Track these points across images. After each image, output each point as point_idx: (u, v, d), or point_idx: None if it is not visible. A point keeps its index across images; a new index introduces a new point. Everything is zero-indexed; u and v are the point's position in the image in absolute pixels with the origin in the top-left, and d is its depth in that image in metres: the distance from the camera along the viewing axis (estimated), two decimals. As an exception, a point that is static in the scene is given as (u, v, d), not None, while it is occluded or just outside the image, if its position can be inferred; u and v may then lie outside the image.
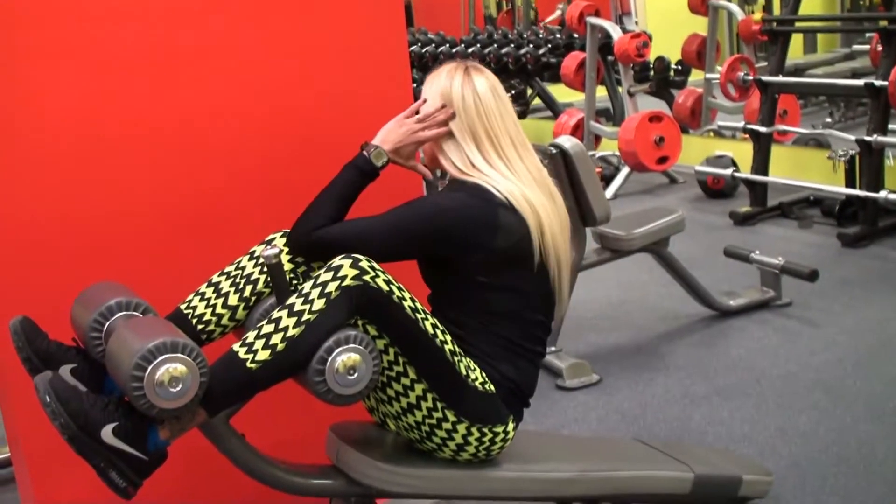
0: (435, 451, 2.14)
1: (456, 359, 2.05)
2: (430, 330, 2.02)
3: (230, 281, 2.20)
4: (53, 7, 2.27)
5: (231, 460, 2.06)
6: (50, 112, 2.30)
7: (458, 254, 2.13)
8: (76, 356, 2.05)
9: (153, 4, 2.39)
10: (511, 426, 2.17)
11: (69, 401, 1.81)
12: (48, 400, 1.80)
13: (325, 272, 1.95)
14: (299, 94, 2.61)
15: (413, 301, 2.01)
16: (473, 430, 2.10)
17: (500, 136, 2.19)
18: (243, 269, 2.22)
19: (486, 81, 2.22)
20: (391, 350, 2.00)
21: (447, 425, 2.08)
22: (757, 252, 4.51)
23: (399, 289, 1.99)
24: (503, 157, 2.18)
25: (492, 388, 2.12)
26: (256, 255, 2.23)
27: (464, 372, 2.06)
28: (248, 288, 2.19)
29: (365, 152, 2.21)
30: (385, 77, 2.74)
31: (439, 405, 2.05)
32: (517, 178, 2.17)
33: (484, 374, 2.12)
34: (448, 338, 2.06)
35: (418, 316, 2.00)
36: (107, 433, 1.82)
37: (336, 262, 1.96)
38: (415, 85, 3.32)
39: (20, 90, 2.26)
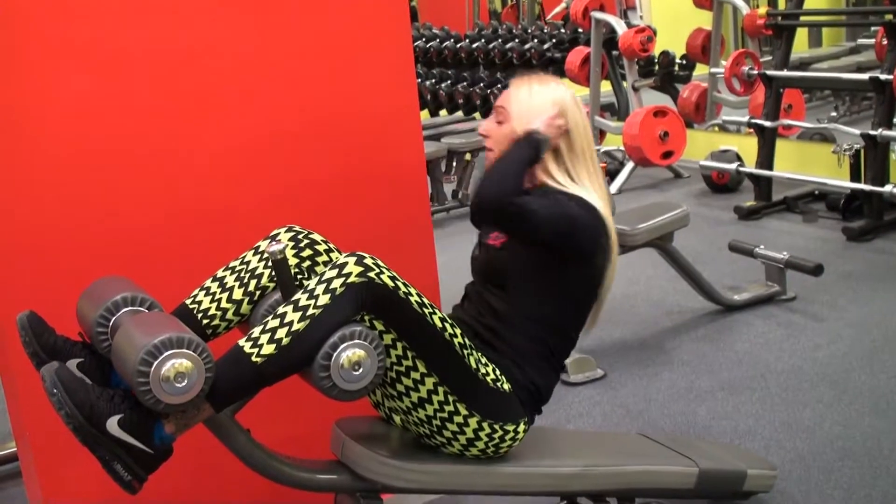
0: (444, 446, 2.14)
1: (466, 352, 2.06)
2: (439, 324, 2.02)
3: (235, 276, 2.21)
4: (56, 8, 2.28)
5: (236, 456, 2.06)
6: (56, 109, 2.30)
7: (568, 258, 2.22)
8: (82, 351, 2.06)
9: (155, 5, 2.39)
10: (522, 427, 2.18)
11: (75, 391, 1.81)
12: (54, 390, 1.80)
13: (330, 269, 1.96)
14: (303, 90, 2.61)
15: (420, 296, 2.02)
16: (485, 425, 2.11)
17: (593, 154, 2.34)
18: (248, 263, 2.23)
19: (580, 101, 2.34)
20: (399, 345, 2.00)
21: (458, 419, 2.08)
22: (762, 246, 4.50)
23: (405, 284, 1.99)
24: (595, 175, 2.32)
25: (506, 386, 2.13)
26: (261, 250, 2.24)
27: (474, 366, 2.07)
28: (253, 282, 2.20)
29: (540, 137, 2.25)
30: (390, 73, 2.74)
31: (451, 398, 2.06)
32: (602, 198, 2.30)
33: (498, 372, 2.13)
34: (458, 331, 2.07)
35: (426, 311, 2.01)
36: (112, 425, 1.83)
37: (341, 259, 1.97)
38: (419, 80, 3.32)
39: (27, 88, 2.26)
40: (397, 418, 2.21)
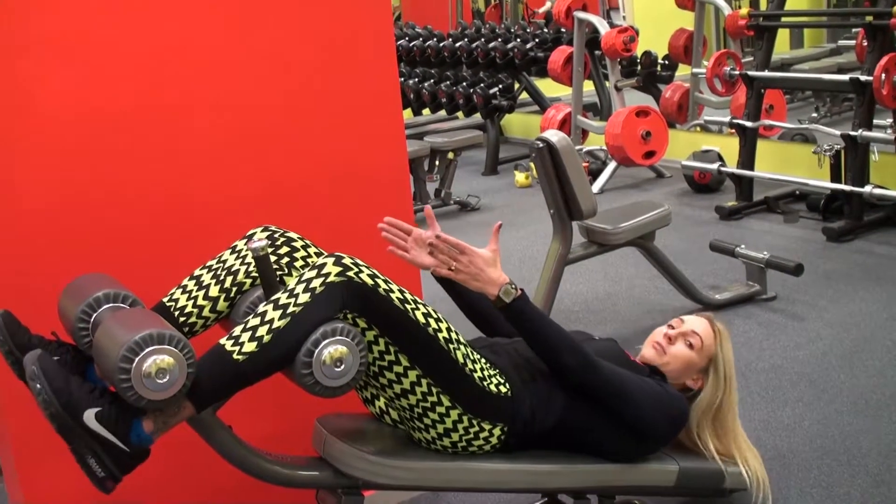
0: (417, 432, 2.15)
1: (452, 346, 2.07)
2: (422, 319, 2.03)
3: (211, 273, 2.21)
4: (40, 3, 2.26)
5: (218, 452, 2.06)
6: (39, 105, 2.29)
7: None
8: (58, 349, 2.04)
9: (142, 1, 2.39)
10: (497, 433, 2.18)
11: (55, 378, 1.80)
12: (35, 373, 1.79)
13: (309, 270, 1.97)
14: (287, 89, 2.61)
15: (402, 293, 2.02)
16: (464, 418, 2.12)
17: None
18: (225, 262, 2.23)
19: None
20: (381, 340, 2.01)
21: (441, 409, 2.09)
22: (742, 246, 4.52)
23: (385, 282, 2.00)
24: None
25: (495, 388, 2.13)
26: (238, 248, 2.24)
27: (461, 360, 2.08)
28: (229, 279, 2.20)
29: None
30: (372, 73, 2.74)
31: (434, 390, 2.07)
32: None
33: (489, 372, 2.14)
34: (444, 325, 2.08)
35: (408, 306, 2.01)
36: (89, 417, 1.81)
37: (321, 260, 1.98)
38: (402, 79, 3.32)
39: (12, 84, 2.25)
40: (380, 402, 2.23)
